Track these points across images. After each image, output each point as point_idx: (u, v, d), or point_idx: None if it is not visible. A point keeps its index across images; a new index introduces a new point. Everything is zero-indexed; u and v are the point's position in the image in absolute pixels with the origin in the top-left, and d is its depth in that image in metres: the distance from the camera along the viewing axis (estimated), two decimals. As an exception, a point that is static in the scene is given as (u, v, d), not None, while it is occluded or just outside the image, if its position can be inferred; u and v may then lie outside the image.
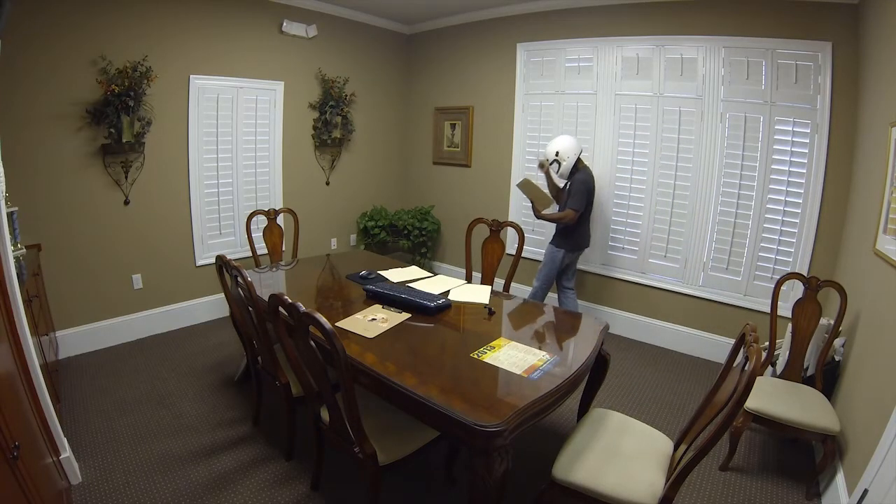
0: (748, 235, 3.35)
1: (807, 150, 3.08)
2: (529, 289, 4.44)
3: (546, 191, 3.46)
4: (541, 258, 4.34)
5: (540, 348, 1.93)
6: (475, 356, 1.84)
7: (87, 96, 3.04)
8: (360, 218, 5.00)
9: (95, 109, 3.05)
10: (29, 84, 2.83)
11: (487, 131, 4.61)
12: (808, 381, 2.45)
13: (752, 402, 2.22)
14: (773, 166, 3.20)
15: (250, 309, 2.15)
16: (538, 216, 3.38)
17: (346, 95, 4.50)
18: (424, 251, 4.99)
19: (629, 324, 3.92)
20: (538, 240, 4.35)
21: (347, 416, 1.67)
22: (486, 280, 3.06)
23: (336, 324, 2.06)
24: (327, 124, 4.43)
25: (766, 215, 3.26)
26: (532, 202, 3.34)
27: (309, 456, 2.22)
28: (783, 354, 2.60)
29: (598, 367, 2.19)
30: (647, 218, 3.75)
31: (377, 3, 4.28)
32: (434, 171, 5.16)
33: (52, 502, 1.57)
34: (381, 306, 2.31)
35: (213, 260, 3.60)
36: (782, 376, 2.52)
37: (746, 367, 1.37)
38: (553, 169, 3.36)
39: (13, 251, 1.92)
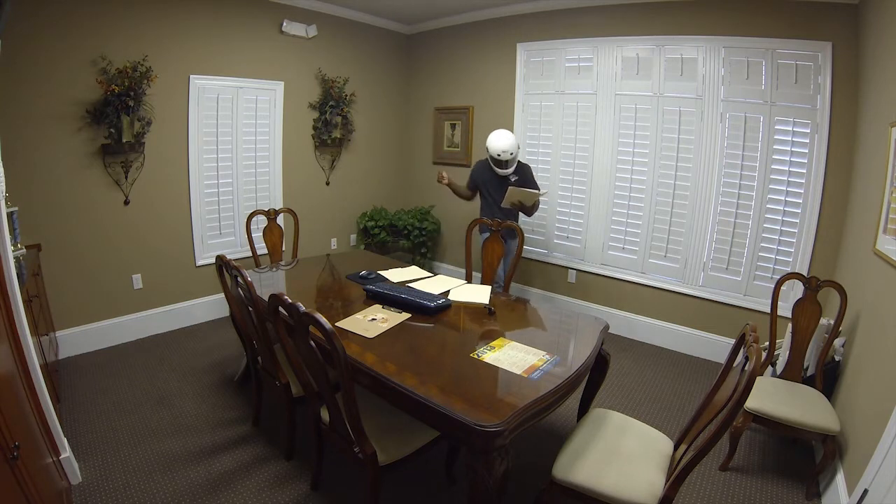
0: (748, 235, 3.35)
1: (807, 150, 3.08)
2: (530, 289, 4.47)
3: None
4: (541, 258, 4.37)
5: (540, 348, 1.93)
6: (475, 356, 1.84)
7: (87, 96, 3.04)
8: (360, 218, 5.00)
9: (95, 109, 3.05)
10: (29, 84, 2.83)
11: (487, 131, 4.56)
12: (808, 381, 2.45)
13: (752, 402, 2.22)
14: (773, 166, 3.20)
15: (250, 309, 2.15)
16: (531, 214, 3.52)
17: (346, 95, 4.50)
18: (424, 251, 4.99)
19: (629, 324, 3.92)
20: (538, 240, 4.35)
21: (347, 416, 1.67)
22: (486, 280, 3.06)
23: (336, 324, 2.06)
24: (327, 124, 4.43)
25: (766, 215, 3.26)
26: (521, 204, 3.37)
27: (309, 456, 2.23)
28: (783, 354, 2.60)
29: (598, 367, 2.19)
30: (647, 218, 3.75)
31: (377, 3, 4.28)
32: (434, 171, 5.14)
33: (52, 502, 1.57)
34: (381, 306, 2.31)
35: (213, 260, 3.61)
36: (782, 376, 2.52)
37: (746, 367, 1.37)
38: (508, 166, 3.44)
39: (13, 251, 1.92)
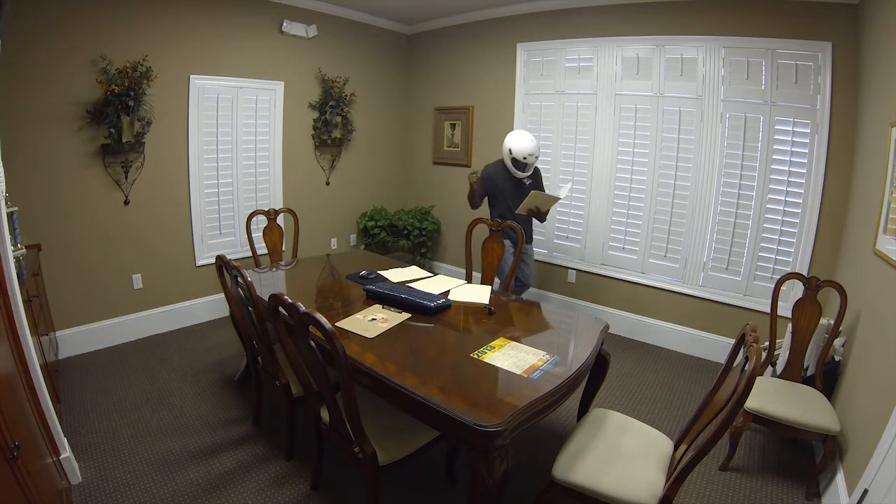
0: (748, 235, 3.35)
1: (807, 150, 3.08)
2: (530, 289, 4.45)
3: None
4: (542, 258, 4.36)
5: (540, 348, 1.93)
6: (475, 356, 1.84)
7: (87, 96, 3.04)
8: (360, 218, 5.00)
9: (95, 109, 3.05)
10: (29, 84, 2.83)
11: (487, 131, 4.61)
12: (808, 381, 2.45)
13: (752, 402, 2.22)
14: (773, 166, 3.20)
15: (250, 309, 2.15)
16: (545, 220, 3.40)
17: (346, 95, 4.50)
18: (424, 251, 4.99)
19: (629, 324, 3.92)
20: (538, 240, 4.34)
21: (347, 416, 1.67)
22: (486, 280, 3.06)
23: (336, 324, 2.06)
24: (327, 124, 4.43)
25: (766, 215, 3.26)
26: (538, 209, 3.24)
27: (309, 456, 2.22)
28: (783, 354, 2.60)
29: (598, 367, 2.19)
30: (647, 218, 3.75)
31: (377, 3, 4.28)
32: (434, 171, 5.16)
33: (52, 502, 1.57)
34: (381, 306, 2.31)
35: (213, 260, 3.61)
36: (782, 376, 2.52)
37: (746, 367, 1.37)
38: (528, 170, 3.28)
39: (13, 251, 1.92)
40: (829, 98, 2.95)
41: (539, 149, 3.28)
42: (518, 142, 3.21)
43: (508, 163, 3.28)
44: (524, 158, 3.19)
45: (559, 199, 3.22)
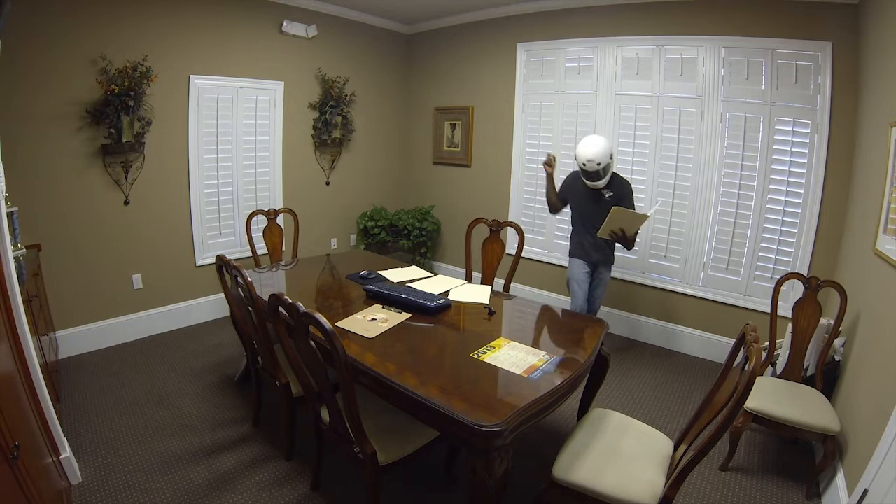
0: (748, 235, 3.35)
1: (807, 150, 3.08)
2: (530, 289, 4.46)
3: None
4: (541, 258, 4.36)
5: (540, 348, 1.93)
6: (475, 356, 1.84)
7: (87, 96, 3.04)
8: (360, 218, 5.00)
9: (95, 109, 3.06)
10: (29, 84, 2.83)
11: (487, 131, 4.61)
12: (808, 381, 2.45)
13: (752, 402, 2.22)
14: (773, 166, 3.20)
15: (250, 309, 2.15)
16: (632, 246, 2.97)
17: (346, 95, 4.50)
18: (424, 251, 4.99)
19: (629, 324, 3.92)
20: (538, 240, 4.35)
21: (347, 416, 1.67)
22: (486, 280, 3.06)
23: (336, 324, 2.06)
24: (327, 124, 4.43)
25: (766, 215, 3.26)
26: (623, 232, 2.83)
27: (309, 456, 2.23)
28: (783, 354, 2.60)
29: (598, 367, 2.19)
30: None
31: (377, 3, 4.28)
32: (434, 171, 5.16)
33: (52, 502, 1.57)
34: (381, 306, 2.31)
35: (213, 260, 3.60)
36: (782, 376, 2.52)
37: (746, 367, 1.37)
38: (597, 178, 2.89)
39: (13, 251, 1.92)
40: (829, 98, 2.95)
41: (608, 155, 2.82)
42: (581, 147, 2.85)
43: (580, 171, 2.95)
44: (584, 165, 2.84)
45: (647, 217, 2.82)
